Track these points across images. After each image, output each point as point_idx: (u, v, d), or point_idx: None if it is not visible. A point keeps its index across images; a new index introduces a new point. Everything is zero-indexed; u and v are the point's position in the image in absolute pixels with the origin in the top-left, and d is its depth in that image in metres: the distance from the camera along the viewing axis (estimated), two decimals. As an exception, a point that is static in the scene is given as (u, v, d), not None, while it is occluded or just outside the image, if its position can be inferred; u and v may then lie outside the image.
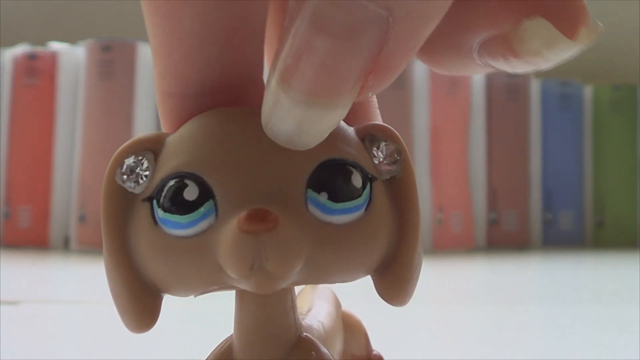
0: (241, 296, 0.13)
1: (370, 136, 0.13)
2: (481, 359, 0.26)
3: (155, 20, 0.12)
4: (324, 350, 0.13)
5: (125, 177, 0.12)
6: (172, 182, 0.12)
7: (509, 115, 0.79)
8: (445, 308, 0.37)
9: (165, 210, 0.12)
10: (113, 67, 0.71)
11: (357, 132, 0.13)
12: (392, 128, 0.13)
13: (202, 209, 0.11)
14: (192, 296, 0.12)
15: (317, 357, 0.13)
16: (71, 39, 0.78)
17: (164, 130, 0.13)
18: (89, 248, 0.68)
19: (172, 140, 0.12)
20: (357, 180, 0.12)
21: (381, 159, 0.13)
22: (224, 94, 0.13)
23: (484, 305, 0.41)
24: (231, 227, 0.11)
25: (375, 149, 0.13)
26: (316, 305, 0.16)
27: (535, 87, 0.79)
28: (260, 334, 0.13)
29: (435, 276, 0.50)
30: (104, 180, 0.13)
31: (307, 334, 0.13)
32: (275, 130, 0.11)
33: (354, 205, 0.12)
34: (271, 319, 0.13)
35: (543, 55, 0.11)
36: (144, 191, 0.12)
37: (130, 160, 0.12)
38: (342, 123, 0.12)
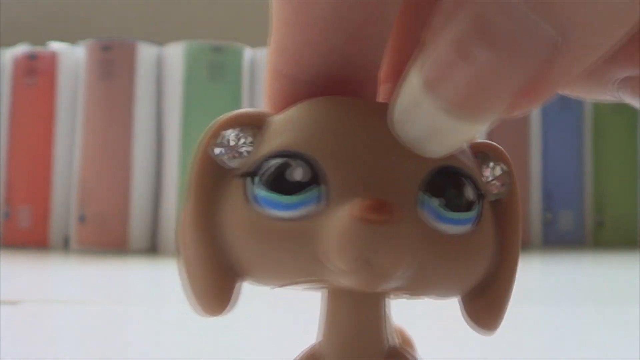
0: (335, 298, 0.12)
1: (482, 154, 0.12)
2: (481, 359, 0.26)
3: (287, 4, 0.12)
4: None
5: (222, 150, 0.12)
6: (278, 160, 0.11)
7: (509, 115, 0.79)
8: (445, 308, 0.37)
9: (266, 188, 0.11)
10: (113, 67, 0.71)
11: (471, 147, 0.12)
12: (504, 151, 0.12)
13: (310, 193, 0.11)
14: (273, 287, 0.12)
15: None
16: (71, 39, 0.78)
17: (266, 109, 0.13)
18: (89, 248, 0.68)
19: (278, 119, 0.12)
20: (470, 193, 0.11)
21: (490, 179, 0.12)
22: (337, 85, 0.12)
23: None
24: (344, 214, 0.10)
25: (485, 167, 0.12)
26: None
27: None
28: (354, 339, 0.12)
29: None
30: (197, 151, 0.12)
31: (399, 346, 0.13)
32: (405, 130, 0.11)
33: (466, 217, 0.11)
34: (366, 324, 0.12)
35: None
36: (239, 167, 0.12)
37: (230, 134, 0.12)
38: None
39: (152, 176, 0.71)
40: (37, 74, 0.73)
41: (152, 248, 0.70)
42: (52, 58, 0.73)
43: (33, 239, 0.71)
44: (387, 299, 0.13)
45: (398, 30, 0.14)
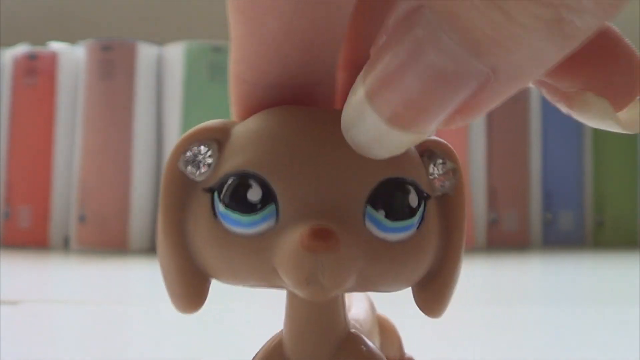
0: (293, 294, 0.13)
1: (429, 152, 0.13)
2: (481, 359, 0.26)
3: (237, 17, 0.12)
4: (372, 345, 0.14)
5: (188, 163, 0.13)
6: (236, 180, 0.12)
7: (509, 115, 0.79)
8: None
9: (226, 206, 0.12)
10: (113, 67, 0.71)
11: (419, 145, 0.13)
12: (451, 147, 0.13)
13: (263, 212, 0.12)
14: (241, 286, 0.13)
15: (366, 352, 0.13)
16: (71, 39, 0.78)
17: (232, 111, 0.14)
18: (88, 248, 0.68)
19: (239, 132, 0.13)
20: (413, 200, 0.12)
21: (436, 176, 0.13)
22: (296, 90, 0.13)
23: (484, 305, 0.41)
24: (293, 241, 0.11)
25: (432, 165, 0.13)
26: (355, 306, 0.16)
27: (535, 88, 0.79)
28: (311, 330, 0.13)
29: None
30: (167, 164, 0.13)
31: (355, 330, 0.14)
32: (354, 138, 0.11)
33: (408, 224, 0.12)
34: (323, 315, 0.13)
35: (595, 122, 0.13)
36: (205, 180, 0.12)
37: (195, 148, 0.13)
38: None
39: (152, 176, 0.71)
40: (37, 74, 0.73)
41: (152, 248, 0.70)
42: (52, 58, 0.73)
43: (33, 239, 0.71)
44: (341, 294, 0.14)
45: (356, 18, 0.15)
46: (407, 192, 0.12)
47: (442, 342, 0.30)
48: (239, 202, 0.12)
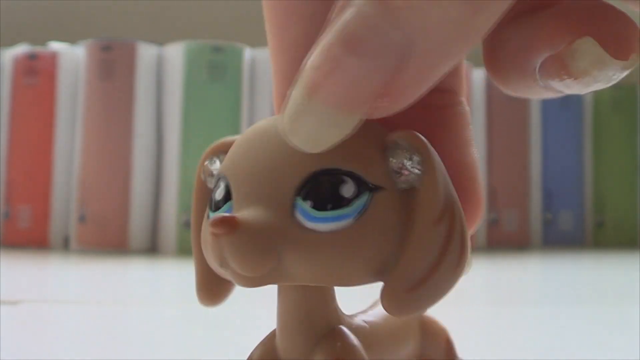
0: (280, 289, 0.14)
1: (393, 143, 0.13)
2: (481, 359, 0.26)
3: (269, 28, 0.14)
4: (354, 343, 0.14)
5: (205, 174, 0.15)
6: (215, 182, 0.14)
7: (509, 115, 0.79)
8: (444, 308, 0.37)
9: (210, 207, 0.14)
10: (113, 67, 0.71)
11: (387, 137, 0.13)
12: (423, 139, 0.13)
13: (224, 207, 0.13)
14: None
15: (341, 347, 0.13)
16: (71, 39, 0.78)
17: (276, 110, 0.15)
18: (89, 248, 0.68)
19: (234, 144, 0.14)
20: (348, 190, 0.12)
21: (397, 169, 0.13)
22: None
23: (484, 305, 0.41)
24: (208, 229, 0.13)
25: (392, 158, 0.13)
26: (375, 307, 0.16)
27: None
28: (297, 322, 0.14)
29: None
30: (196, 176, 0.15)
31: (342, 327, 0.14)
32: (293, 134, 0.12)
33: (339, 214, 0.12)
34: (309, 308, 0.14)
35: (592, 74, 0.12)
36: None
37: (209, 161, 0.15)
38: (361, 130, 0.12)
39: (152, 176, 0.71)
40: (37, 74, 0.73)
41: (152, 248, 0.70)
42: (52, 58, 0.73)
43: (33, 239, 0.71)
44: (330, 289, 0.14)
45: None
46: (340, 183, 0.12)
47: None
48: (211, 201, 0.14)
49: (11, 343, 0.28)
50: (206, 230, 0.13)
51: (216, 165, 0.14)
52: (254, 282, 0.12)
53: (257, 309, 0.34)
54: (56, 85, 0.73)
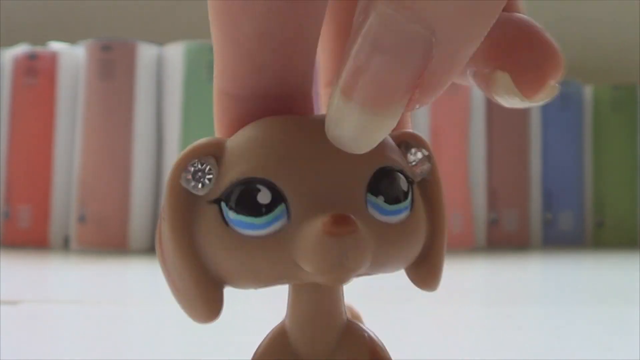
0: (298, 287, 0.14)
1: (405, 143, 0.15)
2: (481, 359, 0.26)
3: (215, 22, 0.14)
4: (372, 333, 0.15)
5: (190, 180, 0.13)
6: (244, 187, 0.13)
7: (509, 115, 0.79)
8: (445, 308, 0.37)
9: (237, 213, 0.13)
10: (113, 67, 0.71)
11: (393, 138, 0.14)
12: (422, 136, 0.15)
13: (275, 212, 0.13)
14: (254, 289, 0.14)
15: (369, 337, 0.15)
16: (71, 39, 0.78)
17: (216, 128, 0.15)
18: (89, 248, 0.68)
19: (234, 145, 0.14)
20: (404, 184, 0.14)
21: (414, 164, 0.15)
22: (276, 101, 0.14)
23: (484, 305, 0.41)
24: (314, 229, 0.12)
25: (409, 154, 0.15)
26: None
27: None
28: (316, 322, 0.14)
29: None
30: (169, 183, 0.14)
31: (355, 321, 0.15)
32: (337, 137, 0.12)
33: (403, 206, 0.14)
34: (325, 307, 0.14)
35: (507, 100, 0.14)
36: (209, 193, 0.13)
37: (196, 164, 0.14)
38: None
39: (152, 176, 0.71)
40: (37, 74, 0.73)
41: (152, 248, 0.70)
42: (52, 58, 0.73)
43: (33, 239, 0.71)
44: (341, 287, 0.15)
45: (335, 37, 0.16)
46: (398, 178, 0.14)
47: (442, 342, 0.30)
48: (250, 206, 0.13)
49: (11, 343, 0.28)
50: (314, 227, 0.12)
51: (208, 169, 0.13)
52: (350, 278, 0.13)
53: (257, 309, 0.34)
54: (56, 85, 0.73)
